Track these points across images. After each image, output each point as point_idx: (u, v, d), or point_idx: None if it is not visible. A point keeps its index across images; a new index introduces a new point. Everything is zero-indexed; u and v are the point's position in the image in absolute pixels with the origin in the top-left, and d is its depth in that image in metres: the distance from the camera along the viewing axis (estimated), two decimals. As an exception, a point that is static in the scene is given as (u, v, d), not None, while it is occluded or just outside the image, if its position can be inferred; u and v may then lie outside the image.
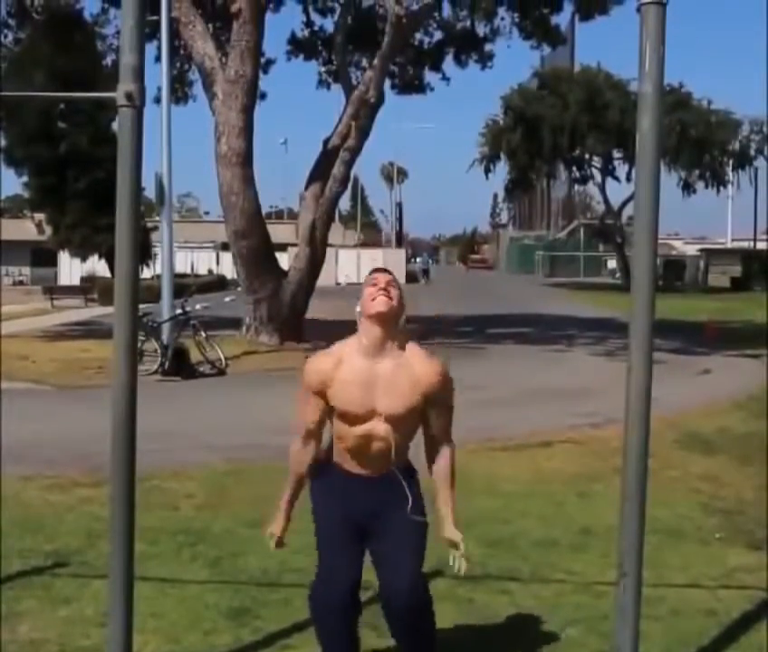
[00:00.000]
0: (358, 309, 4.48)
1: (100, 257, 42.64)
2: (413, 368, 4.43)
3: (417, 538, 4.53)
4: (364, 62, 32.41)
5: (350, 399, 4.39)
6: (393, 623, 4.58)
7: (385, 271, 4.60)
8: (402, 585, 4.43)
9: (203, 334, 19.10)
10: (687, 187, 60.14)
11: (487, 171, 61.25)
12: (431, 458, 4.60)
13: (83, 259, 45.76)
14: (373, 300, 4.39)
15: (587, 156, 62.55)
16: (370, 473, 4.51)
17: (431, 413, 4.52)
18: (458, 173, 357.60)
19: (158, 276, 26.26)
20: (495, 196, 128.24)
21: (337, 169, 24.54)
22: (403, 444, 4.53)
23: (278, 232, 41.18)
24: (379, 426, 4.41)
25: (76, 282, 53.09)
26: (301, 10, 32.60)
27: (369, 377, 4.39)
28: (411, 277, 71.10)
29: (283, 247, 40.14)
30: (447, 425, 4.61)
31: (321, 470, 4.61)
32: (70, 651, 5.34)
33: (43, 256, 62.24)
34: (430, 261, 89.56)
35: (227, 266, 54.03)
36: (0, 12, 29.81)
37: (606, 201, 65.84)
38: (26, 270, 70.42)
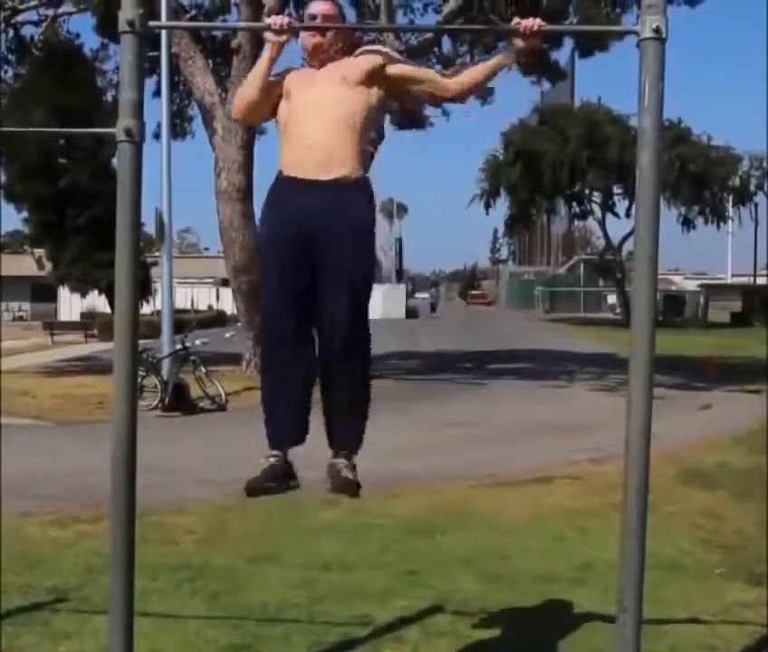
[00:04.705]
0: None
1: (100, 293, 42.68)
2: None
3: (361, 267, 4.53)
4: (364, 98, 32.54)
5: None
6: (328, 361, 4.66)
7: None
8: (341, 316, 4.46)
9: (203, 369, 19.09)
10: (687, 223, 60.06)
11: (487, 207, 61.25)
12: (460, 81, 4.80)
13: (83, 294, 45.85)
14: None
15: (587, 191, 62.52)
16: (316, 174, 4.47)
17: (401, 81, 4.71)
18: (458, 208, 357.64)
19: (158, 312, 26.28)
20: (495, 231, 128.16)
21: (337, 204, 24.42)
22: (351, 140, 4.56)
23: (278, 267, 41.21)
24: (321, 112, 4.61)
25: (76, 317, 53.21)
26: (300, 45, 32.71)
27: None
28: (411, 313, 71.87)
29: (283, 282, 40.12)
30: (434, 74, 4.80)
31: (271, 189, 4.64)
32: (69, 687, 5.32)
33: (42, 292, 62.49)
34: (436, 294, 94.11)
35: (227, 302, 54.08)
36: (0, 47, 29.99)
37: (606, 236, 65.77)
38: (26, 305, 70.63)
